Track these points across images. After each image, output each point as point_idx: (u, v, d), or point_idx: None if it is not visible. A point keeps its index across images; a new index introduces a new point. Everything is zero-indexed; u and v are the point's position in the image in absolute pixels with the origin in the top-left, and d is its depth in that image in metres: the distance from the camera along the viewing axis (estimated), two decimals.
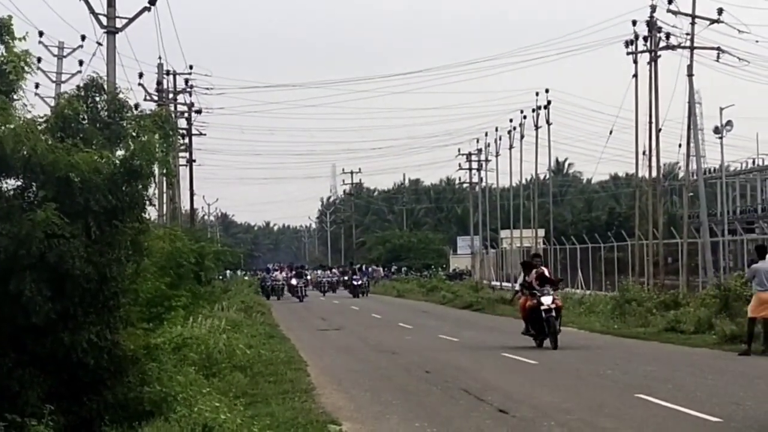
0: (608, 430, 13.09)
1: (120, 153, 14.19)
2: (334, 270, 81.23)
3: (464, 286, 69.36)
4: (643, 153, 53.78)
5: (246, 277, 78.01)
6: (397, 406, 15.85)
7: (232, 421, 11.13)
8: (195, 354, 18.14)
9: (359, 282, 67.55)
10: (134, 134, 14.30)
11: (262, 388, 17.17)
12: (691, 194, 72.41)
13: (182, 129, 54.06)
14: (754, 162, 76.95)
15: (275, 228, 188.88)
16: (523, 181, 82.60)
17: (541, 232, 75.22)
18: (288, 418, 13.68)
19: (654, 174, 52.99)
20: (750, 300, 29.00)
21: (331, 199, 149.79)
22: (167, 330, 18.62)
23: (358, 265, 77.67)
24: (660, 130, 49.70)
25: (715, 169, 73.89)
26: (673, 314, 31.34)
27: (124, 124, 14.44)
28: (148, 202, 14.42)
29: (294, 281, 62.98)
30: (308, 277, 71.39)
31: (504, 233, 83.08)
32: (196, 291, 21.45)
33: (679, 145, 47.24)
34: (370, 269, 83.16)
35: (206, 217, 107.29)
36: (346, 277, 72.55)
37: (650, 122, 49.50)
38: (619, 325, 33.30)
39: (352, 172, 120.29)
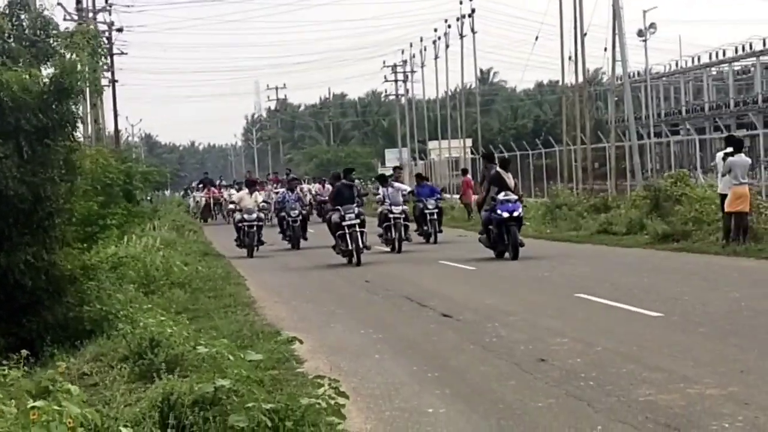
0: (553, 328, 13.17)
1: (48, 71, 13.93)
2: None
3: None
4: (569, 59, 53.95)
5: (176, 197, 77.21)
6: (341, 315, 15.87)
7: (178, 334, 11.02)
8: (133, 272, 17.99)
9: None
10: (62, 52, 14.03)
11: (202, 303, 17.07)
12: (616, 99, 72.81)
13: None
14: (677, 64, 77.46)
15: (200, 147, 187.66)
16: (450, 92, 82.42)
17: (469, 142, 75.38)
18: (233, 330, 13.62)
19: (580, 79, 53.27)
20: (680, 200, 29.43)
21: (256, 116, 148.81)
22: (102, 249, 18.41)
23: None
24: (585, 34, 49.88)
25: (639, 73, 74.23)
26: (604, 217, 31.64)
27: (51, 42, 14.16)
28: (79, 121, 14.25)
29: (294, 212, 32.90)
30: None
31: (432, 144, 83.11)
32: (130, 209, 21.14)
33: (605, 49, 47.32)
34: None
35: (130, 138, 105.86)
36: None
37: (575, 28, 49.65)
38: (551, 229, 33.52)
39: (276, 88, 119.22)
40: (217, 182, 63.14)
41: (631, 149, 45.33)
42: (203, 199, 57.45)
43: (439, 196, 34.14)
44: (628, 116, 47.74)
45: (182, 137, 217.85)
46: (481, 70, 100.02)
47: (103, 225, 18.37)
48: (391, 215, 28.62)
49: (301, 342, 8.66)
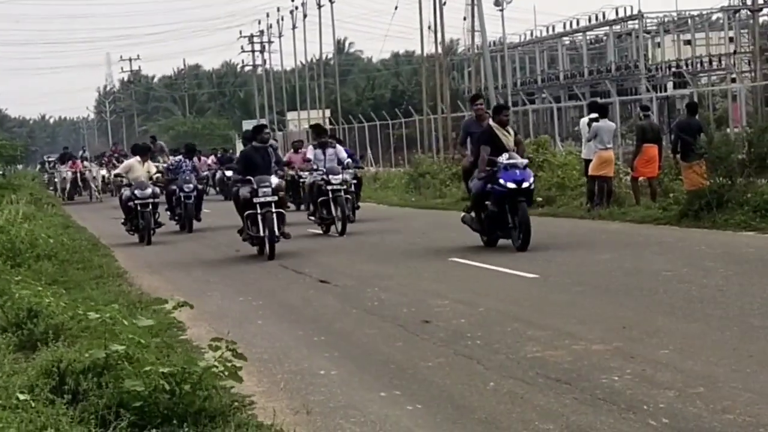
0: (432, 290, 13.27)
1: None
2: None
3: None
4: (429, 28, 54.35)
5: (29, 171, 75.49)
6: (217, 284, 15.73)
7: (56, 304, 10.78)
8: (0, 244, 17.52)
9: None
10: None
11: (72, 275, 16.70)
12: (470, 69, 73.46)
13: None
14: (532, 34, 78.55)
15: (51, 121, 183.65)
16: (307, 62, 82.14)
17: (328, 113, 75.36)
18: (108, 300, 13.35)
19: (440, 49, 53.62)
20: (542, 166, 29.85)
21: (108, 88, 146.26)
22: None
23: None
24: (444, 4, 50.19)
25: (495, 42, 75.01)
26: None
27: None
28: None
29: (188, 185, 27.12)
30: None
31: (291, 115, 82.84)
32: None
33: (464, 18, 47.93)
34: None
35: None
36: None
37: None
38: (416, 198, 33.76)
39: (130, 59, 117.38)
40: (80, 154, 56.84)
41: None
42: (69, 173, 51.14)
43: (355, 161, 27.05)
44: (488, 86, 48.19)
45: (32, 111, 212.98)
46: (338, 41, 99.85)
47: None
48: (329, 186, 22.81)
49: (191, 307, 8.54)
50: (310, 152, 24.40)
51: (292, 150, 32.75)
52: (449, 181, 34.70)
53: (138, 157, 25.04)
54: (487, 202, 17.48)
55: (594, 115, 23.16)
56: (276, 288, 14.86)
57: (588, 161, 22.98)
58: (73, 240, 22.54)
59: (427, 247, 18.98)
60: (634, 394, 7.61)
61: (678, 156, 21.44)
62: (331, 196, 22.74)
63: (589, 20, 70.42)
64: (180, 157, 28.30)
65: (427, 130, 53.92)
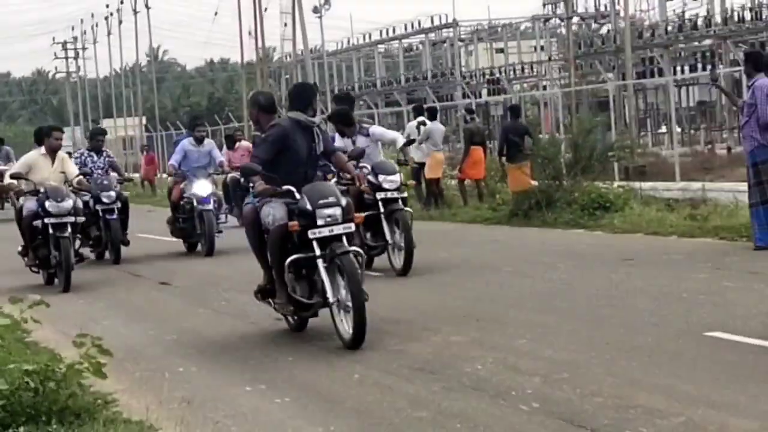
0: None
1: None
2: None
3: None
4: (249, 34, 54.19)
5: None
6: (49, 288, 15.12)
7: None
8: None
9: None
10: None
11: None
12: (287, 76, 73.45)
13: None
14: (348, 41, 79.00)
15: None
16: (122, 70, 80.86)
17: (144, 120, 74.34)
18: None
19: (260, 55, 53.53)
20: None
21: None
22: None
23: None
24: (266, 10, 50.15)
25: (313, 50, 75.19)
26: None
27: None
28: None
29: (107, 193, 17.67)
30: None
31: (106, 122, 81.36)
32: None
33: (285, 25, 47.91)
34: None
35: None
36: None
37: (255, 3, 49.80)
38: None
39: None
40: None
41: None
42: None
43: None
44: None
45: None
46: (155, 48, 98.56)
47: None
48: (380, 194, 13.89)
49: (47, 305, 8.26)
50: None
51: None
52: None
53: (43, 149, 15.44)
54: None
55: (421, 119, 23.42)
56: (117, 289, 14.57)
57: (420, 164, 23.17)
58: None
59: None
60: (501, 381, 7.71)
61: (504, 158, 21.85)
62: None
63: (405, 28, 71.27)
64: (83, 150, 19.43)
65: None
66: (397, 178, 13.92)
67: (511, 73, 65.50)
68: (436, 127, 23.08)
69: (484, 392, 7.43)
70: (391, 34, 73.07)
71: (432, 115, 23.58)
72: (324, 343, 9.55)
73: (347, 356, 8.92)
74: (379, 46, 76.50)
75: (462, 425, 6.66)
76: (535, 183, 19.95)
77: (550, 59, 62.61)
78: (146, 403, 7.53)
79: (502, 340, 9.13)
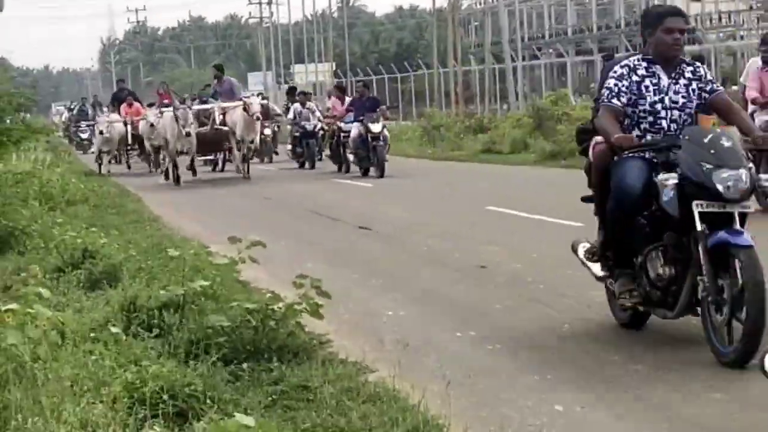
0: (477, 238, 13.26)
1: None
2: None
3: None
4: None
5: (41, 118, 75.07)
6: (256, 230, 15.58)
7: (109, 245, 10.77)
8: (35, 188, 17.45)
9: None
10: None
11: (108, 219, 16.64)
12: (477, 23, 73.09)
13: None
14: None
15: (55, 71, 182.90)
16: (312, 16, 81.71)
17: (334, 66, 75.05)
18: (153, 243, 13.32)
19: (451, 1, 53.34)
20: (561, 119, 29.81)
21: (112, 39, 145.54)
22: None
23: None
24: None
25: None
26: (488, 136, 31.92)
27: None
28: None
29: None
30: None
31: (297, 68, 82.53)
32: (29, 125, 20.39)
33: None
34: None
35: None
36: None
37: None
38: (432, 150, 33.68)
39: (136, 10, 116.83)
40: (77, 106, 44.55)
41: (503, 72, 45.72)
42: (114, 126, 31.27)
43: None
44: (504, 39, 48.02)
45: (36, 61, 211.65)
46: None
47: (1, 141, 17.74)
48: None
49: (264, 245, 8.47)
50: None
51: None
52: (463, 134, 34.69)
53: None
54: None
55: None
56: (316, 234, 14.82)
57: None
58: (99, 186, 22.48)
59: (459, 197, 18.98)
60: None
61: None
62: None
63: None
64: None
65: (437, 84, 53.74)
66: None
67: (708, 22, 63.75)
68: None
69: None
70: None
71: None
72: (530, 293, 9.56)
73: (556, 306, 8.92)
74: None
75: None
76: None
77: (751, 8, 60.71)
78: (360, 344, 7.67)
79: None
